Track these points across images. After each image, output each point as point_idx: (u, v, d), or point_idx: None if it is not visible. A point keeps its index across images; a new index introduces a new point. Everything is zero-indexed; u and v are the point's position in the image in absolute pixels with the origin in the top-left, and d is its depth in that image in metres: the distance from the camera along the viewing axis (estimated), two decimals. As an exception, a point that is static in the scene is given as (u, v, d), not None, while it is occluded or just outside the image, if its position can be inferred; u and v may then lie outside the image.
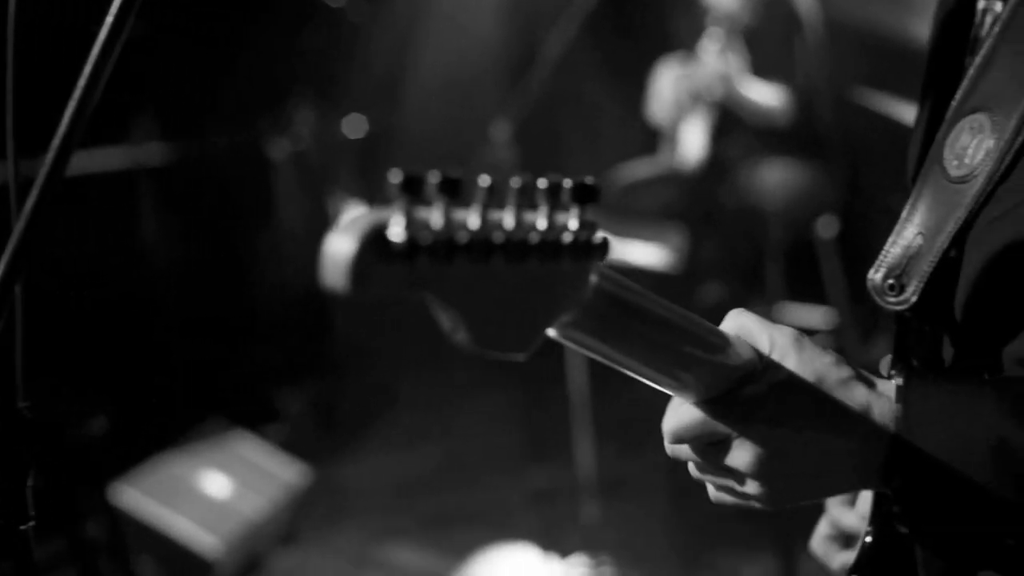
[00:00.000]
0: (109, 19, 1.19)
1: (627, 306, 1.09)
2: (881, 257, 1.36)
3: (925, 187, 1.35)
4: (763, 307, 4.97)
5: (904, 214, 1.37)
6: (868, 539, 1.42)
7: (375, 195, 6.00)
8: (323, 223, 5.97)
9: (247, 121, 5.67)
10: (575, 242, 0.97)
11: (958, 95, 1.34)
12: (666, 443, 1.24)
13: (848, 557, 1.55)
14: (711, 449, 1.20)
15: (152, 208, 5.29)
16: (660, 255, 4.42)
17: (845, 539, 1.59)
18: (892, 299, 1.34)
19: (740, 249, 4.93)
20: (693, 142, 5.06)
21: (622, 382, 4.34)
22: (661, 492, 5.10)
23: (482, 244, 0.91)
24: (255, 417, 5.34)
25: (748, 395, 1.17)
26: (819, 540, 1.62)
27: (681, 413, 1.19)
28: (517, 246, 0.93)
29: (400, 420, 5.73)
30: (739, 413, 1.17)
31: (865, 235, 5.53)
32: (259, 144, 5.68)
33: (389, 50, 6.03)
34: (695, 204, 4.94)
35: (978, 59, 1.33)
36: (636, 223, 4.64)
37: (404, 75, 6.15)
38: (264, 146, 5.69)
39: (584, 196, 0.97)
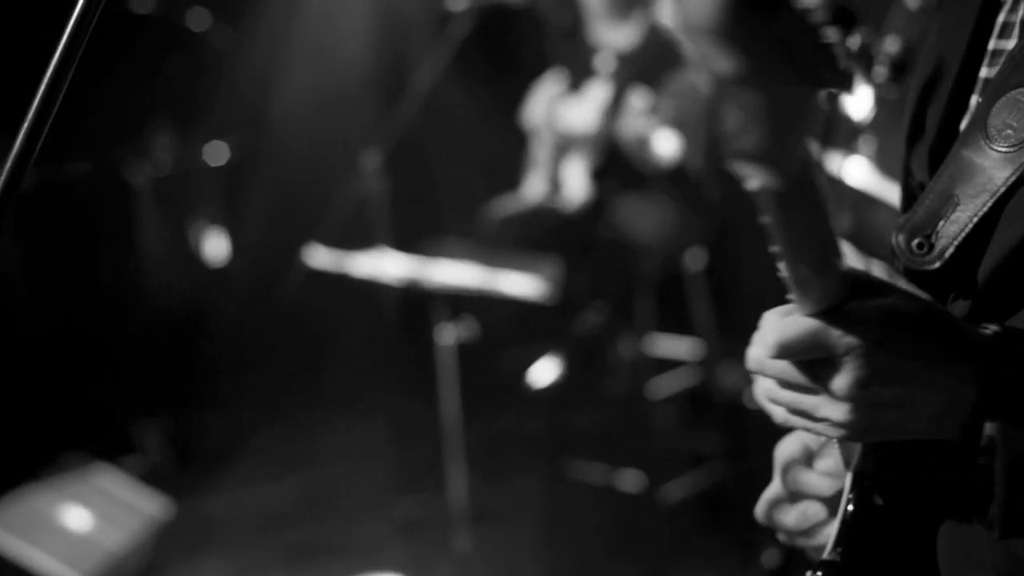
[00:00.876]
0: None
1: (815, 188, 1.10)
2: (903, 222, 1.38)
3: (962, 154, 1.36)
4: (634, 337, 5.03)
5: (932, 181, 1.39)
6: (850, 508, 1.42)
7: (239, 222, 5.94)
8: (184, 250, 5.88)
9: (107, 147, 5.56)
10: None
11: (1000, 69, 1.37)
12: (765, 355, 1.22)
13: (796, 516, 1.57)
14: (806, 366, 1.19)
15: (8, 235, 5.16)
16: (535, 286, 4.44)
17: (794, 499, 1.59)
18: (920, 258, 1.34)
19: (614, 281, 4.96)
20: (575, 183, 5.08)
21: (495, 408, 4.35)
22: (532, 521, 5.12)
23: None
24: (114, 449, 5.23)
25: (860, 313, 1.17)
26: (765, 504, 1.63)
27: (794, 324, 1.18)
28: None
29: (264, 451, 5.64)
30: (853, 330, 1.16)
31: (731, 268, 5.64)
32: (119, 170, 5.57)
33: (253, 76, 5.96)
34: (571, 237, 4.96)
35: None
36: (512, 254, 4.65)
37: (269, 102, 6.08)
38: (124, 172, 5.58)
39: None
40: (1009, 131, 1.31)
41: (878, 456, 1.39)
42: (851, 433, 1.20)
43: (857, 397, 1.16)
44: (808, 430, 1.24)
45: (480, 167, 6.05)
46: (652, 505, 4.96)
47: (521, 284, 4.46)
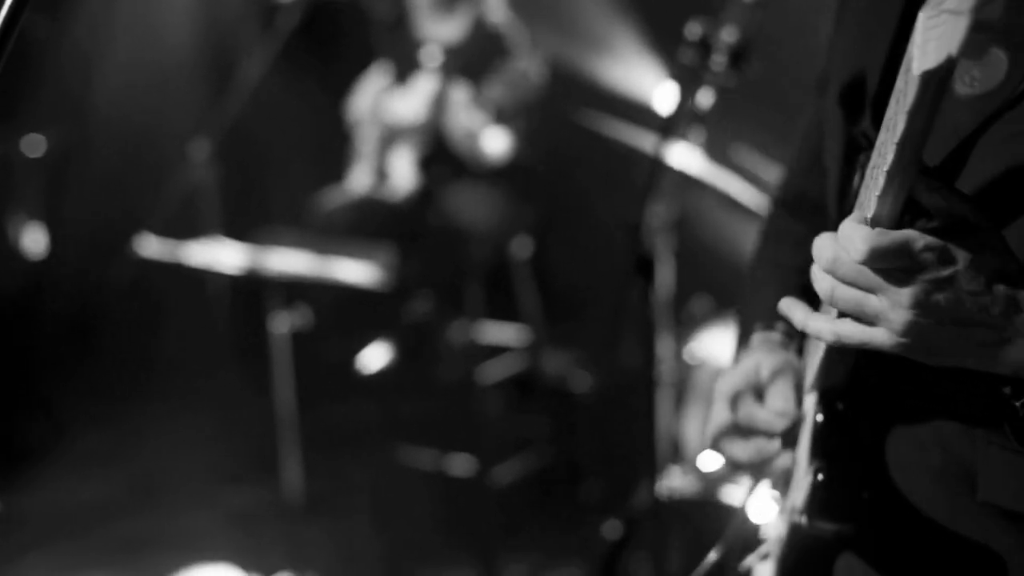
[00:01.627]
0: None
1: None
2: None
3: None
4: (463, 324, 5.11)
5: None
6: (819, 418, 1.56)
7: (63, 214, 5.84)
8: (2, 245, 5.76)
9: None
10: None
11: None
12: (847, 257, 1.27)
13: (751, 451, 1.70)
14: (883, 272, 1.26)
15: None
16: (367, 273, 4.47)
17: (745, 434, 1.72)
18: None
19: (443, 268, 5.03)
20: (402, 172, 5.13)
21: (328, 396, 4.36)
22: (365, 508, 5.16)
23: None
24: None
25: (951, 239, 1.25)
26: (713, 435, 1.75)
27: (887, 234, 1.24)
28: None
29: (90, 446, 5.56)
30: (942, 252, 1.24)
31: (556, 256, 5.77)
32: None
33: (73, 67, 5.87)
34: (401, 225, 5.02)
35: None
36: (343, 242, 4.68)
37: (91, 92, 6.00)
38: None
39: None
40: (977, 82, 1.46)
41: (849, 371, 1.53)
42: (904, 342, 1.27)
43: (920, 305, 1.24)
44: (862, 339, 1.31)
45: (308, 158, 6.07)
46: (482, 489, 5.04)
47: (353, 271, 4.50)
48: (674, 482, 3.55)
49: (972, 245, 1.25)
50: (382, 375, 5.13)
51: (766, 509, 1.79)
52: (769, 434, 1.69)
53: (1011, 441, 1.37)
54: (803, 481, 1.62)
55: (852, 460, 1.57)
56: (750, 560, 1.79)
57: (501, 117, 5.03)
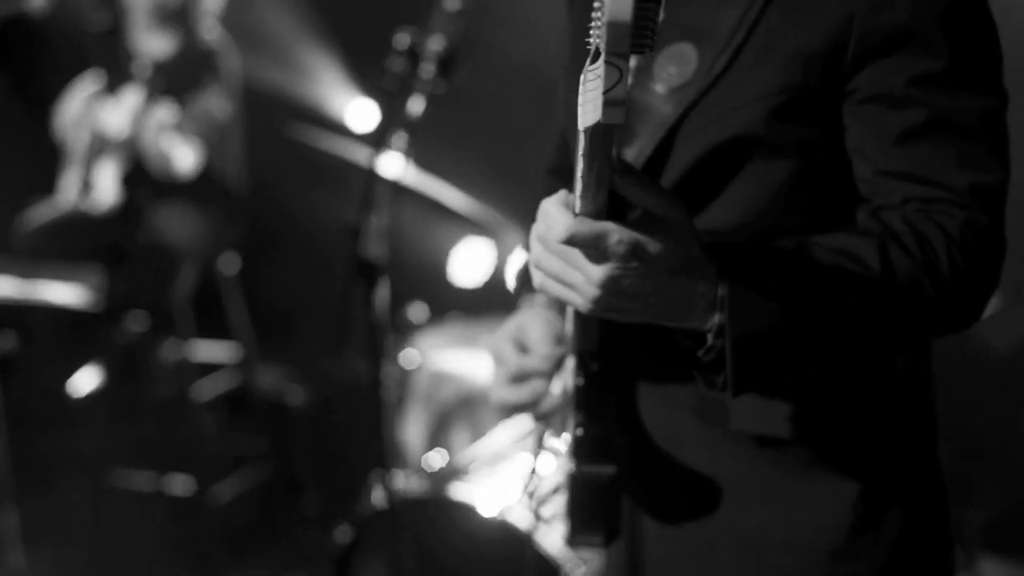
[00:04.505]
0: None
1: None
2: None
3: (633, 95, 1.70)
4: (175, 343, 5.07)
5: None
6: (579, 380, 1.75)
7: None
8: None
9: None
10: None
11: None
12: (550, 235, 1.44)
13: (529, 392, 1.90)
14: (576, 252, 1.43)
15: None
16: (76, 294, 4.41)
17: (518, 381, 1.91)
18: None
19: (152, 288, 4.97)
20: (105, 186, 5.06)
21: (39, 422, 4.26)
22: (85, 534, 5.06)
23: None
24: None
25: (630, 227, 1.40)
26: (497, 390, 1.93)
27: (584, 223, 1.39)
28: None
29: None
30: (621, 239, 1.39)
31: (262, 272, 5.78)
32: None
33: None
34: (108, 244, 4.94)
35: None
36: (51, 264, 4.60)
37: None
38: None
39: None
40: (675, 78, 1.67)
41: (600, 336, 1.72)
42: (593, 309, 1.46)
43: (607, 287, 1.42)
44: (560, 296, 1.49)
45: (15, 175, 5.89)
46: (203, 507, 5.03)
47: (61, 292, 4.43)
48: (401, 483, 3.64)
49: (662, 237, 1.42)
50: (94, 398, 5.04)
51: (552, 456, 1.94)
52: (536, 375, 1.90)
53: (702, 386, 1.56)
54: (569, 435, 1.82)
55: (607, 412, 1.76)
56: (544, 502, 1.94)
57: (195, 137, 5.03)
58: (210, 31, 5.25)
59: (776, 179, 1.66)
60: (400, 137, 3.61)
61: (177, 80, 4.99)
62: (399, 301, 4.23)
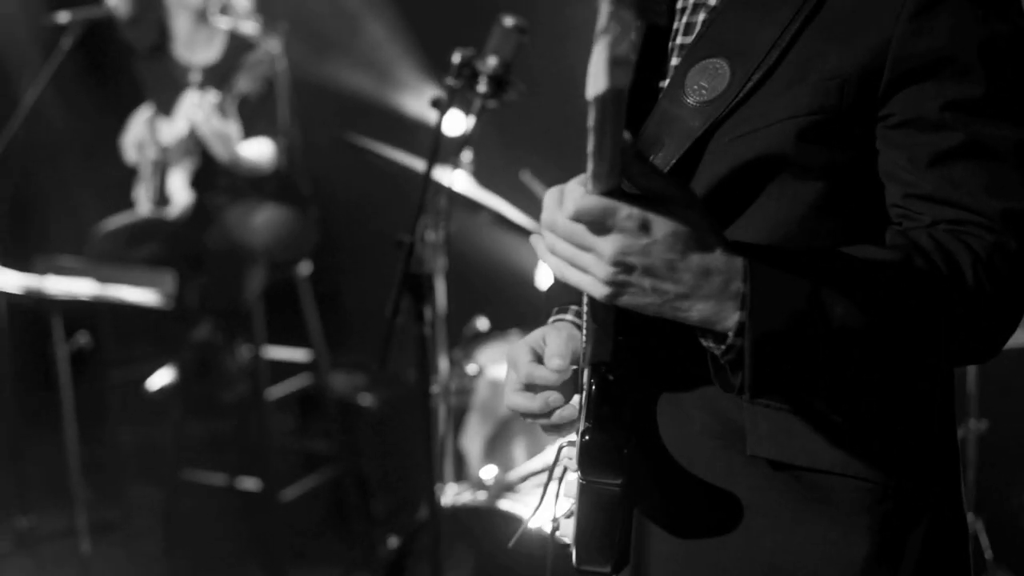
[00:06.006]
0: None
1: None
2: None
3: (659, 112, 1.73)
4: (249, 344, 5.14)
5: (641, 130, 1.73)
6: (593, 388, 1.71)
7: None
8: None
9: None
10: None
11: (689, 50, 1.74)
12: (560, 216, 1.48)
13: (540, 402, 1.86)
14: (586, 232, 1.45)
15: None
16: (150, 296, 4.50)
17: (535, 390, 1.88)
18: None
19: (226, 291, 5.04)
20: (178, 193, 5.15)
21: (114, 419, 4.34)
22: (155, 528, 5.17)
23: None
24: None
25: (647, 206, 1.44)
26: (510, 396, 1.90)
27: (591, 198, 1.43)
28: None
29: None
30: (632, 216, 1.43)
31: (334, 277, 5.84)
32: None
33: None
34: (181, 249, 5.03)
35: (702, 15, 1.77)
36: (125, 268, 4.68)
37: None
38: None
39: None
40: (704, 91, 1.68)
41: (615, 347, 1.70)
42: (608, 291, 1.48)
43: (619, 263, 1.45)
44: (574, 281, 1.51)
45: (92, 184, 6.01)
46: (273, 506, 5.12)
47: (136, 294, 4.53)
48: (455, 493, 3.68)
49: (673, 215, 1.44)
50: (169, 396, 5.14)
51: (567, 470, 1.94)
52: (547, 386, 1.86)
53: (719, 388, 1.57)
54: (577, 441, 1.79)
55: (618, 423, 1.72)
56: (559, 515, 1.93)
57: (249, 104, 5.07)
58: (247, 24, 5.30)
59: (803, 201, 1.66)
60: (460, 150, 3.68)
61: (226, 75, 5.06)
62: (459, 312, 4.25)
